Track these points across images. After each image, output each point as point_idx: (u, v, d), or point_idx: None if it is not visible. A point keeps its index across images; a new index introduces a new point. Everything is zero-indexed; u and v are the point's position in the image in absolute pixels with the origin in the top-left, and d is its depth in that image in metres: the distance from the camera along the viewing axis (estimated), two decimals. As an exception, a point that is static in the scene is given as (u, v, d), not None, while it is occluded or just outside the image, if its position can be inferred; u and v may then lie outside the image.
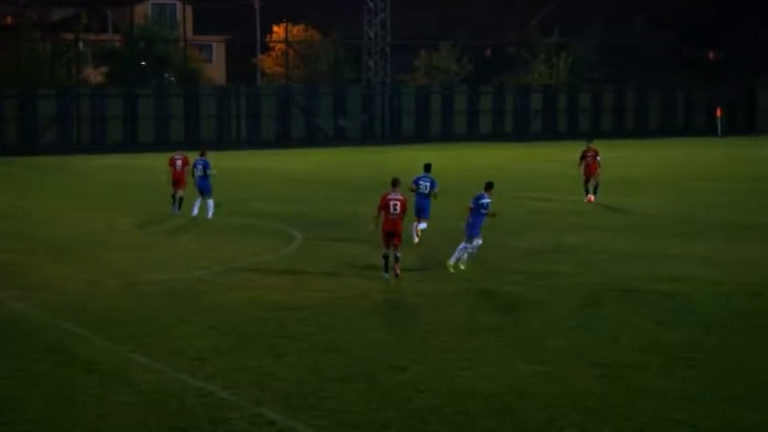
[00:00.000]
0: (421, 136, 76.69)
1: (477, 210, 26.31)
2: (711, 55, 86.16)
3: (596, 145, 41.70)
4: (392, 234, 25.40)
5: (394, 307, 23.74)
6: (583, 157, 41.12)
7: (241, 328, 21.05)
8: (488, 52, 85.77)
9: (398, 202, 25.58)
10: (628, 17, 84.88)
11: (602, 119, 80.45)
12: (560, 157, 56.48)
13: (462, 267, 26.31)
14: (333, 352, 19.22)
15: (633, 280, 25.76)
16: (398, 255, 25.67)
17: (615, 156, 59.48)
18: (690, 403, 16.30)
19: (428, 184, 31.03)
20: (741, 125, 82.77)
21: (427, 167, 31.46)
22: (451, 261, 26.41)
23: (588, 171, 40.68)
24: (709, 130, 79.94)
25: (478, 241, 26.45)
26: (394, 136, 77.06)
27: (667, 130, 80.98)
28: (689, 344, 19.81)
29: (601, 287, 24.95)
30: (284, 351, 19.19)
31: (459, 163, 58.24)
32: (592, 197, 40.37)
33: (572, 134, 75.51)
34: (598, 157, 40.69)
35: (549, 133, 78.35)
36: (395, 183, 26.05)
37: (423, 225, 30.96)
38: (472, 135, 77.74)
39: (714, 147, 70.18)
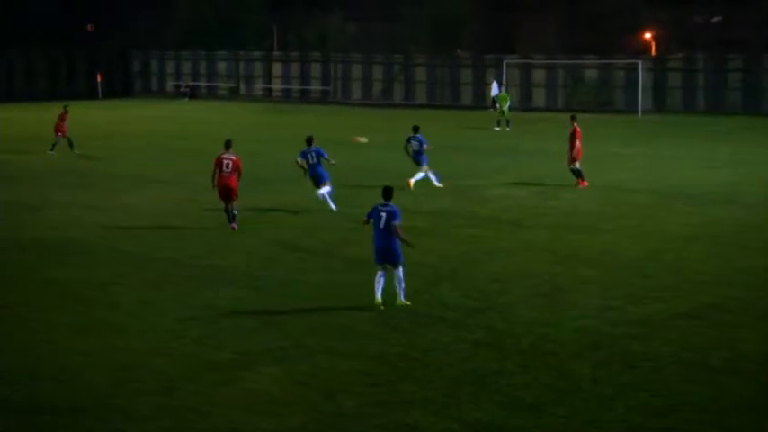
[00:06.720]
0: None
1: None
2: (90, 27, 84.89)
3: None
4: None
5: None
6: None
7: None
8: None
9: (231, 161, 23.48)
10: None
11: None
12: None
13: None
14: None
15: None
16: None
17: (5, 117, 57.12)
18: (78, 333, 15.78)
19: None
20: (119, 88, 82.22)
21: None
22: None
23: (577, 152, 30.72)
24: (91, 94, 78.54)
25: None
26: None
27: (53, 93, 78.06)
28: (79, 281, 19.18)
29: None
30: None
31: None
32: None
33: None
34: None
35: None
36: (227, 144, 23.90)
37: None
38: None
39: (96, 108, 68.97)
